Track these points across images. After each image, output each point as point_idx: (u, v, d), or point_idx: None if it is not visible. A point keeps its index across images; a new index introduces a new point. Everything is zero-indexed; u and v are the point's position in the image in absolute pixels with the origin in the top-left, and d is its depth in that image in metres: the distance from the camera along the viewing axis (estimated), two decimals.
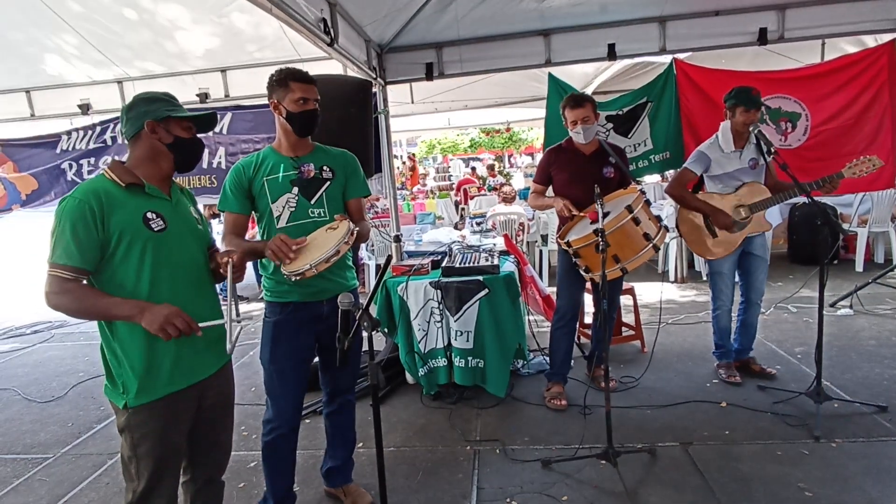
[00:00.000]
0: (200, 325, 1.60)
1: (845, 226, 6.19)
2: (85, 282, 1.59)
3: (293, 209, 2.19)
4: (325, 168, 2.25)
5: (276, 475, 2.34)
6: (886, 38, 4.26)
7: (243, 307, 6.58)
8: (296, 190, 2.19)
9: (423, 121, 9.53)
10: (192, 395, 1.74)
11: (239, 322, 1.67)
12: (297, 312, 2.22)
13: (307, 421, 3.33)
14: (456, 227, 6.15)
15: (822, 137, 4.42)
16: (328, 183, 2.25)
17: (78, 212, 1.55)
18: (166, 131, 1.72)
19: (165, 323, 1.53)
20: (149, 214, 1.65)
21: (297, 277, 1.90)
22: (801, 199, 3.16)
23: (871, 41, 4.86)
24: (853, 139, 4.35)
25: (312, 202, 2.21)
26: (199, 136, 1.82)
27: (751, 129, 3.18)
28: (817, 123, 4.42)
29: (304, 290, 2.18)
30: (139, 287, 1.62)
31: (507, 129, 14.62)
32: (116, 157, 1.81)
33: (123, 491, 1.73)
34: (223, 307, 1.73)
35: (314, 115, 2.19)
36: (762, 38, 4.11)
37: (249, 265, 6.99)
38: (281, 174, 2.20)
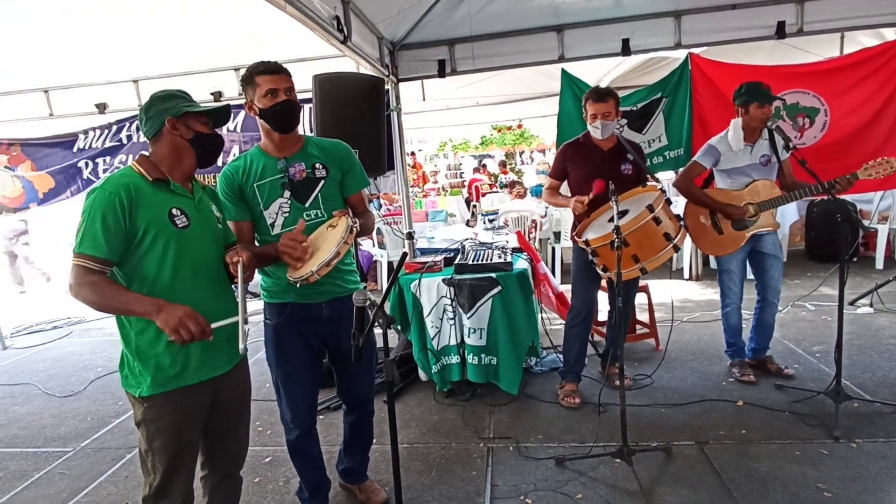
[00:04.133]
0: (213, 325, 1.60)
1: (865, 222, 6.08)
2: (108, 274, 1.62)
3: (287, 214, 2.09)
4: (317, 166, 2.12)
5: (306, 468, 2.37)
6: None
7: (255, 304, 6.62)
8: (287, 194, 2.08)
9: (435, 118, 9.50)
10: (206, 391, 1.77)
11: (246, 323, 1.66)
12: (295, 313, 2.16)
13: (321, 417, 3.36)
14: (468, 225, 6.15)
15: (839, 134, 4.34)
16: (322, 182, 2.12)
17: (108, 203, 1.57)
18: (186, 127, 1.74)
19: (179, 325, 1.53)
20: (174, 210, 1.69)
21: (302, 283, 1.87)
22: (813, 198, 3.10)
23: (890, 34, 4.76)
24: (869, 136, 4.27)
25: (307, 205, 2.10)
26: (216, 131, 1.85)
27: (769, 124, 3.13)
28: (837, 119, 4.33)
29: (303, 290, 2.07)
30: (160, 280, 1.65)
31: (519, 126, 14.54)
32: (143, 153, 1.82)
33: (141, 485, 1.76)
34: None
35: (288, 107, 2.01)
36: (780, 31, 4.04)
37: None
38: (270, 178, 2.08)
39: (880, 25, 4.24)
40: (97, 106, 4.97)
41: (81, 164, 5.15)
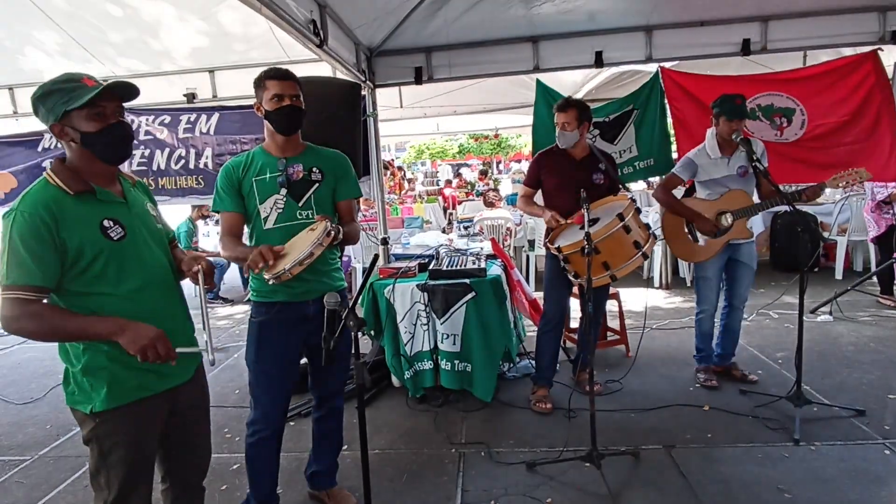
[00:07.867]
0: (178, 349, 1.53)
1: (825, 234, 6.32)
2: (46, 301, 1.46)
3: (280, 210, 2.18)
4: (314, 169, 2.23)
5: (259, 477, 2.31)
6: (866, 49, 4.34)
7: (227, 309, 6.53)
8: (284, 191, 2.17)
9: (412, 125, 9.54)
10: (164, 401, 1.66)
11: (210, 343, 1.59)
12: (282, 313, 2.21)
13: (292, 423, 3.31)
14: (444, 232, 6.17)
15: (820, 131, 4.42)
16: (317, 185, 2.23)
17: (29, 226, 1.39)
18: (72, 128, 1.46)
19: (149, 346, 1.44)
20: (105, 223, 1.50)
21: (275, 281, 1.91)
22: (784, 208, 3.20)
23: (849, 54, 4.98)
24: (853, 130, 4.34)
25: (300, 204, 2.20)
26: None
27: (734, 137, 3.24)
28: (815, 117, 4.42)
29: (290, 290, 2.16)
30: (105, 300, 1.51)
31: (496, 136, 14.71)
32: (60, 158, 1.53)
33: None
34: (193, 311, 1.71)
35: (292, 112, 2.14)
36: (745, 48, 4.21)
37: (234, 269, 6.94)
38: (269, 175, 2.18)
39: (839, 45, 4.43)
40: None
41: (46, 164, 4.99)
